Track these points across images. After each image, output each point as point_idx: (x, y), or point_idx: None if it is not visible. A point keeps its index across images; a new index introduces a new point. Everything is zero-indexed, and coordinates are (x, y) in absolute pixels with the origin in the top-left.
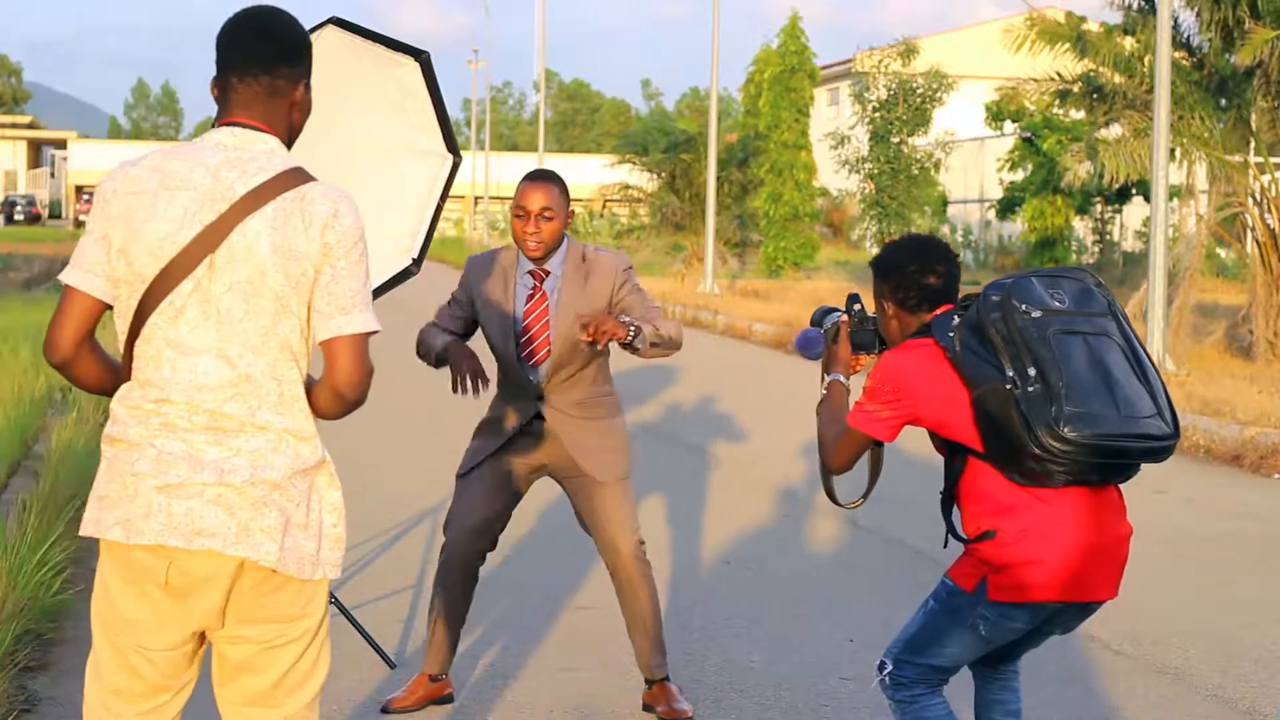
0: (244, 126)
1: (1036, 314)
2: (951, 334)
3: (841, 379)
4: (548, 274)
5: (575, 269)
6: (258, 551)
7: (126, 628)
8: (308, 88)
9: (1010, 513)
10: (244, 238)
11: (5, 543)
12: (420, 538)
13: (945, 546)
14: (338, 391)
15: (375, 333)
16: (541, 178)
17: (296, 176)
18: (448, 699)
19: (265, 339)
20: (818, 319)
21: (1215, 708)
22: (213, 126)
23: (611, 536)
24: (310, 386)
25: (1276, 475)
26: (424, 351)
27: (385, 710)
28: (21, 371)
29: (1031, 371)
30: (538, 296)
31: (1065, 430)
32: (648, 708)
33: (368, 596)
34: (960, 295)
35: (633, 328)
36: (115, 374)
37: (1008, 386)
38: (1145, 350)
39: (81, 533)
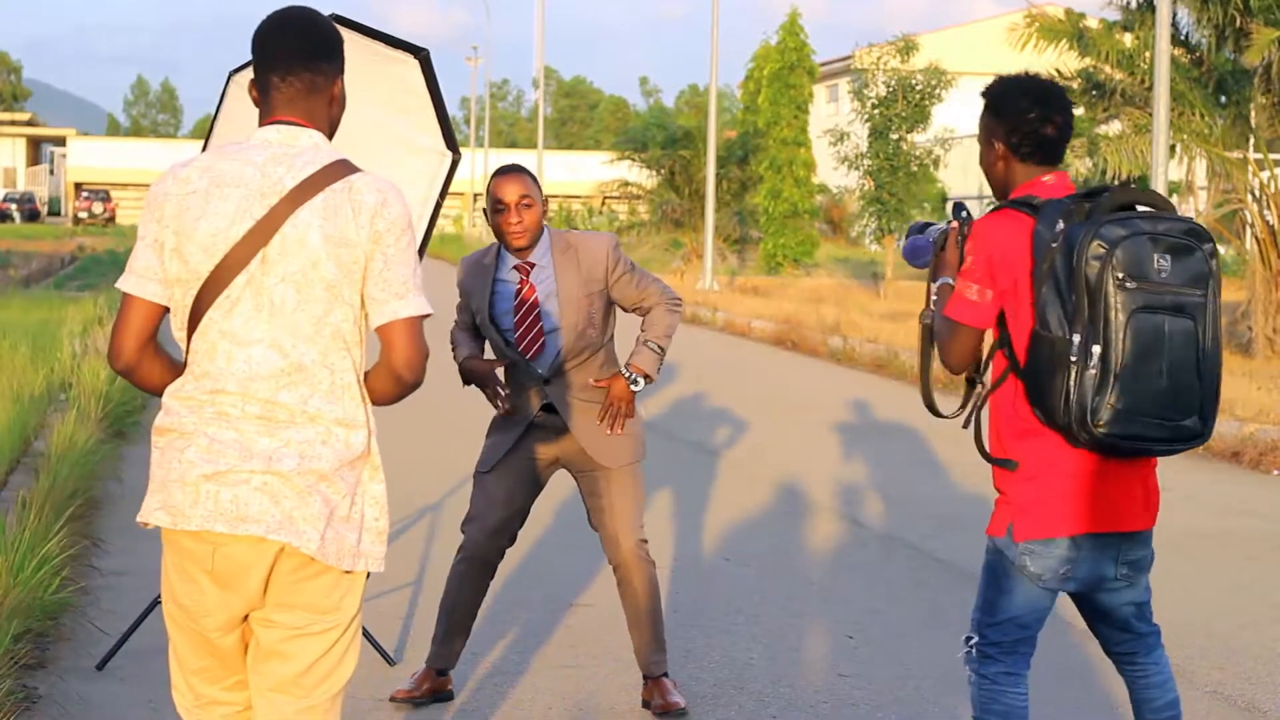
0: (288, 124)
1: (1131, 285)
2: (1054, 245)
3: (951, 282)
4: (533, 266)
5: (563, 255)
6: (299, 538)
7: (181, 611)
8: (343, 82)
9: (1034, 439)
10: (295, 229)
11: (5, 541)
12: (419, 535)
13: (965, 426)
14: (396, 374)
15: (429, 315)
16: (511, 170)
17: (343, 168)
18: (448, 695)
19: (318, 328)
20: (917, 230)
21: (1214, 705)
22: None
23: (614, 531)
24: (366, 373)
25: (1275, 472)
26: (454, 355)
27: (393, 699)
28: (21, 369)
29: (1096, 350)
30: (526, 289)
31: (1099, 424)
32: (646, 703)
33: (367, 593)
34: (1091, 186)
35: (636, 380)
36: (179, 374)
37: (1071, 357)
38: (1218, 335)
39: (138, 519)
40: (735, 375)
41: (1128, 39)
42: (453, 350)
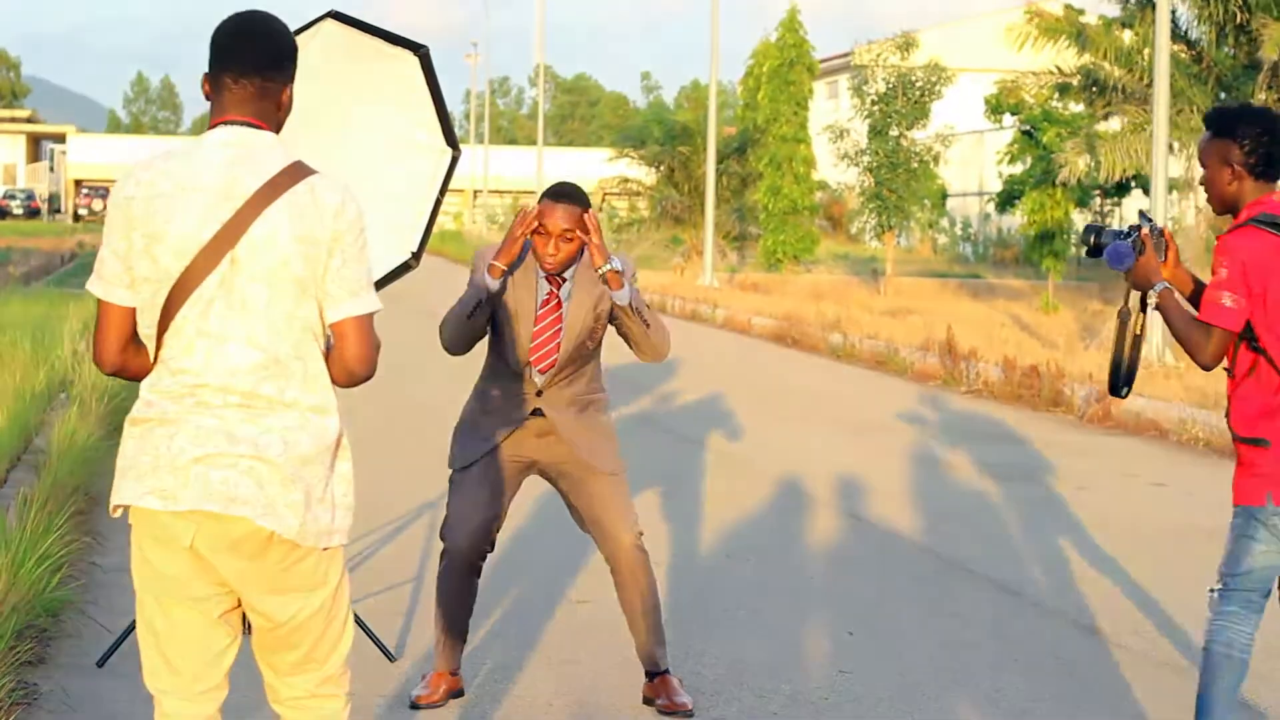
0: (242, 124)
1: None
2: None
3: (1170, 286)
4: (564, 281)
5: (585, 271)
6: (282, 524)
7: (163, 582)
8: (292, 90)
9: (1277, 415)
10: (264, 230)
11: (6, 537)
12: (420, 531)
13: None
14: (349, 368)
15: (379, 310)
16: (565, 198)
17: (301, 169)
18: (459, 693)
19: (289, 322)
20: (1088, 238)
21: None
22: (209, 125)
23: (611, 527)
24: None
25: None
26: (457, 314)
27: (414, 707)
28: (22, 365)
29: None
30: (553, 303)
31: None
32: (648, 700)
33: (368, 590)
34: None
35: (619, 268)
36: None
37: None
38: None
39: (114, 502)
40: (735, 372)
41: (1127, 35)
42: (447, 325)
